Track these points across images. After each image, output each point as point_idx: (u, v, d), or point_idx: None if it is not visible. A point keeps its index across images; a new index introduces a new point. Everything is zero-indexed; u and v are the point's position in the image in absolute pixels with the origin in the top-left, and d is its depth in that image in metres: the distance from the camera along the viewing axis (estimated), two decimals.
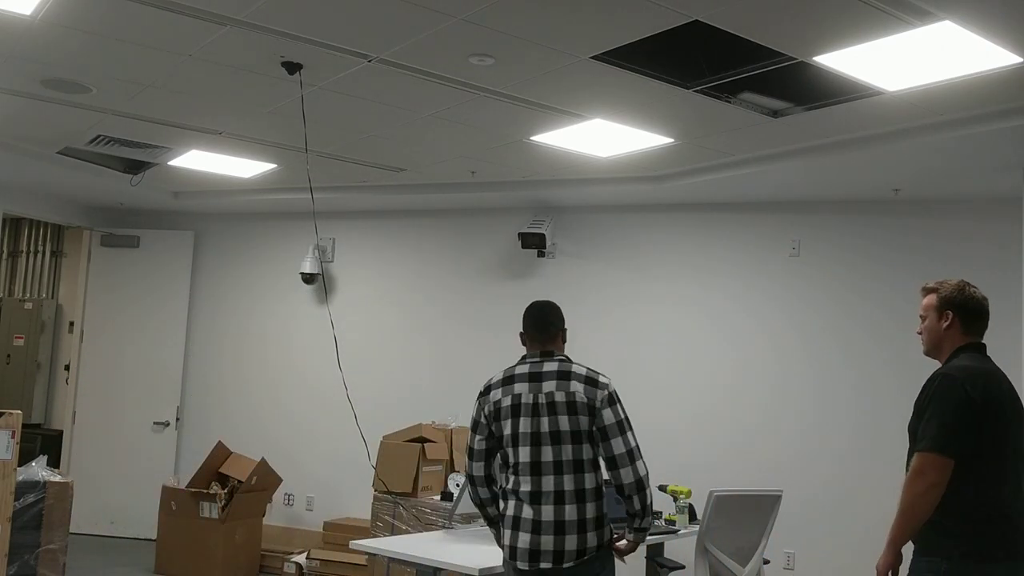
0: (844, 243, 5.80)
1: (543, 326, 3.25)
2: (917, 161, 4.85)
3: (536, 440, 3.08)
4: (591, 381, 3.13)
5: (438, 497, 5.48)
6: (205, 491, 6.41)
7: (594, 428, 3.10)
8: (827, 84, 3.94)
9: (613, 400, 3.15)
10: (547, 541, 3.03)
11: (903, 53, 3.53)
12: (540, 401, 3.10)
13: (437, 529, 5.02)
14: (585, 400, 3.09)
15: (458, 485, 5.07)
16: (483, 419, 3.19)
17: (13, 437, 4.25)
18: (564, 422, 3.08)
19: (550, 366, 3.16)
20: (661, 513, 4.94)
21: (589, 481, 3.10)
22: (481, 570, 3.49)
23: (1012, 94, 3.94)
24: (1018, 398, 3.04)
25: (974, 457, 2.81)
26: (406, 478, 5.53)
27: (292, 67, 4.08)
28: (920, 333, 3.13)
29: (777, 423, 5.86)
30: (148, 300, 7.70)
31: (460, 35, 3.63)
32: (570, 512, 3.05)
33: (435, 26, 3.56)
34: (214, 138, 5.50)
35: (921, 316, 3.12)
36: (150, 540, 6.90)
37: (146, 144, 5.76)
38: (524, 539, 3.05)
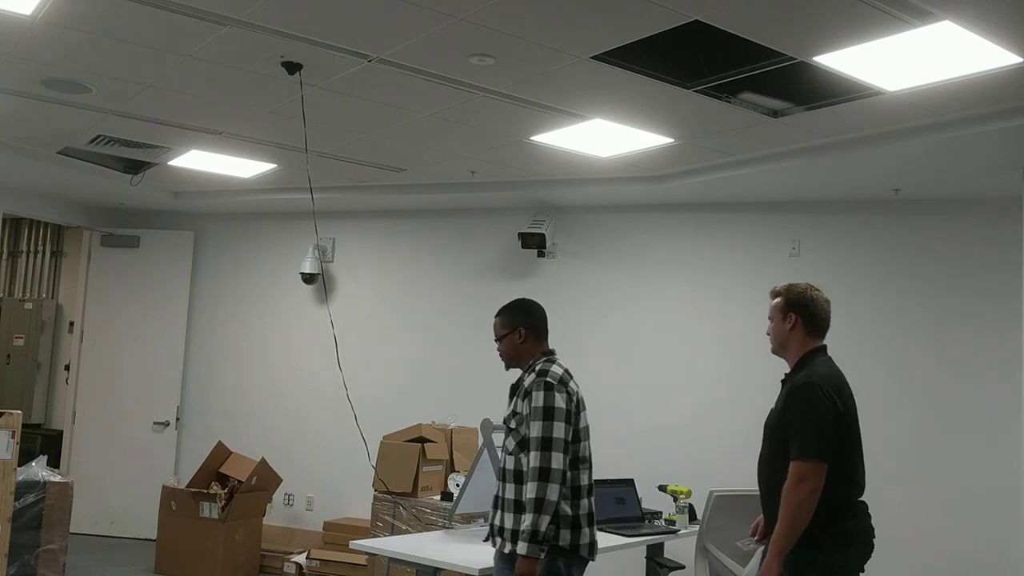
0: (844, 243, 5.80)
1: (547, 324, 3.46)
2: (917, 161, 4.85)
3: (588, 435, 3.31)
4: None
5: (438, 497, 5.48)
6: (205, 491, 6.41)
7: None
8: (827, 84, 3.94)
9: None
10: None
11: (903, 53, 3.53)
12: (582, 397, 3.32)
13: (437, 529, 5.02)
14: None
15: (458, 485, 5.07)
16: (573, 409, 3.21)
17: (13, 437, 4.25)
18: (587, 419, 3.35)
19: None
20: (661, 513, 4.95)
21: None
22: (481, 570, 3.49)
23: (1012, 94, 3.94)
24: (852, 394, 3.31)
25: (838, 458, 3.10)
26: (406, 478, 5.54)
27: (292, 67, 4.08)
28: (768, 334, 3.37)
29: None
30: (148, 300, 7.70)
31: (460, 35, 3.63)
32: None
33: (435, 26, 3.56)
34: (214, 138, 5.50)
35: (769, 318, 3.36)
36: (150, 540, 6.90)
37: (146, 144, 5.76)
38: (595, 533, 3.26)
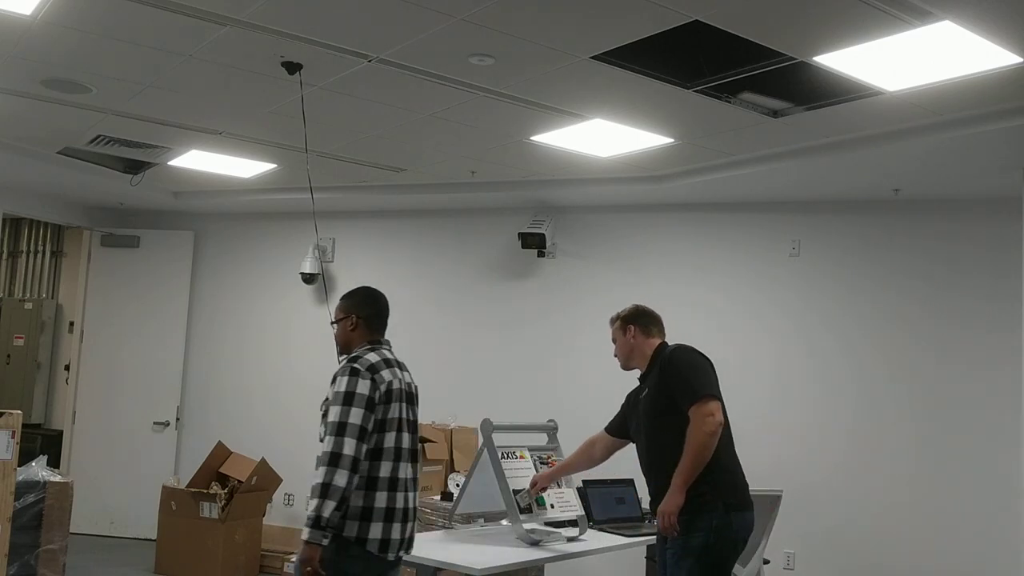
0: (844, 243, 5.80)
1: (387, 317, 3.45)
2: (917, 161, 4.85)
3: (408, 427, 3.23)
4: None
5: (438, 497, 5.48)
6: (205, 491, 6.40)
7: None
8: (827, 84, 3.94)
9: None
10: (411, 527, 3.20)
11: (903, 53, 3.53)
12: (405, 388, 3.25)
13: (437, 529, 5.02)
14: (418, 396, 3.38)
15: (458, 485, 5.06)
16: (377, 398, 3.11)
17: (13, 437, 4.25)
18: (416, 412, 3.33)
19: (396, 355, 3.34)
20: None
21: None
22: (481, 570, 3.49)
23: (1012, 94, 3.94)
24: None
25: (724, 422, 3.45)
26: None
27: (292, 67, 4.08)
28: (616, 355, 3.81)
29: (777, 423, 5.86)
30: (148, 300, 7.70)
31: (460, 35, 3.63)
32: (418, 499, 3.30)
33: (435, 26, 3.56)
34: (214, 138, 5.50)
35: (613, 341, 3.82)
36: (150, 540, 6.90)
37: (146, 144, 5.76)
38: (398, 529, 3.12)
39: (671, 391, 3.49)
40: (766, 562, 4.62)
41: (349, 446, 2.97)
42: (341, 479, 2.94)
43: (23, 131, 5.65)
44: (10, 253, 9.28)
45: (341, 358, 3.29)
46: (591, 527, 4.36)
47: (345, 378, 3.09)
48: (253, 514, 6.54)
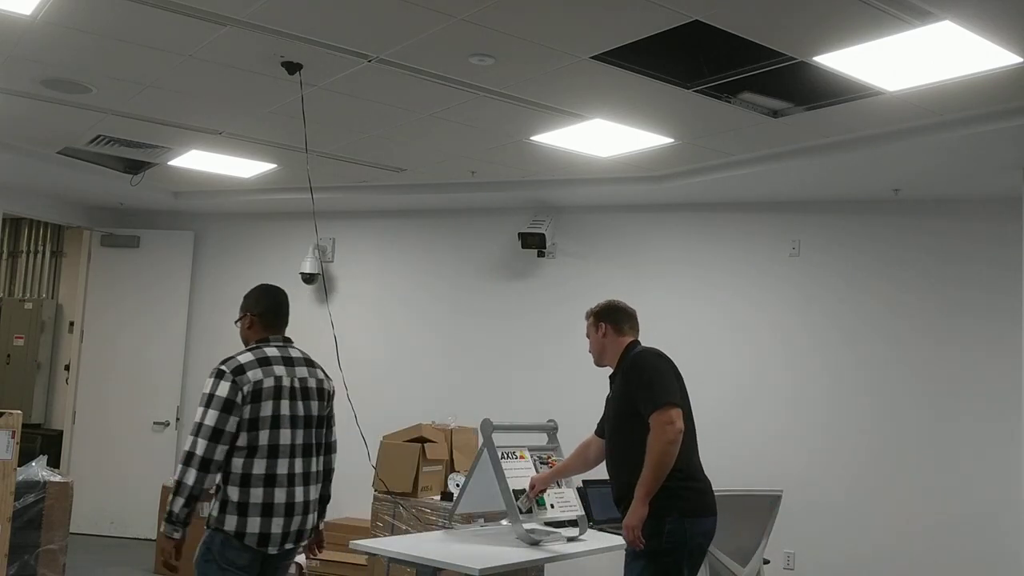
0: (844, 243, 5.80)
1: (285, 313, 3.51)
2: (917, 161, 4.85)
3: (296, 423, 3.28)
4: (323, 371, 3.48)
5: (438, 497, 5.48)
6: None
7: (326, 414, 3.45)
8: (827, 84, 3.94)
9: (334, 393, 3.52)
10: (299, 521, 3.26)
11: (903, 53, 3.53)
12: (295, 385, 3.30)
13: (437, 529, 5.02)
14: (325, 388, 3.44)
15: (458, 485, 5.07)
16: (239, 399, 3.15)
17: (13, 437, 4.26)
18: (314, 407, 3.36)
19: (295, 352, 3.41)
20: None
21: (325, 464, 3.47)
22: (481, 570, 3.49)
23: (1012, 94, 3.94)
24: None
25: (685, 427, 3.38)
26: (406, 478, 5.53)
27: (292, 67, 4.09)
28: (590, 351, 3.75)
29: (776, 422, 5.86)
30: (148, 300, 7.70)
31: (460, 35, 3.63)
32: (314, 492, 3.38)
33: (435, 26, 3.56)
34: (214, 138, 5.50)
35: (587, 337, 3.76)
36: (150, 540, 6.90)
37: (146, 144, 5.76)
38: (279, 523, 3.20)
39: (632, 397, 3.45)
40: (766, 562, 4.63)
41: (201, 446, 3.09)
42: (190, 478, 3.08)
43: (23, 131, 5.65)
44: (10, 253, 9.29)
45: None
46: (591, 527, 4.36)
47: (209, 380, 3.20)
48: None
